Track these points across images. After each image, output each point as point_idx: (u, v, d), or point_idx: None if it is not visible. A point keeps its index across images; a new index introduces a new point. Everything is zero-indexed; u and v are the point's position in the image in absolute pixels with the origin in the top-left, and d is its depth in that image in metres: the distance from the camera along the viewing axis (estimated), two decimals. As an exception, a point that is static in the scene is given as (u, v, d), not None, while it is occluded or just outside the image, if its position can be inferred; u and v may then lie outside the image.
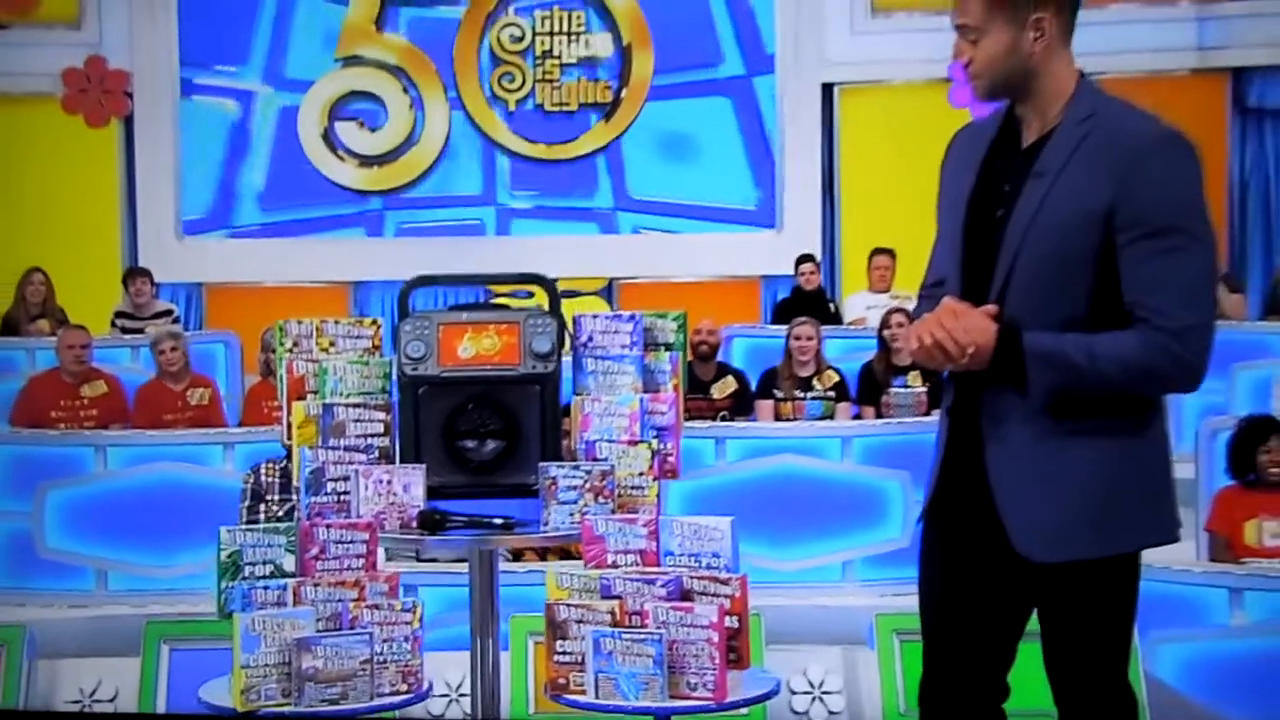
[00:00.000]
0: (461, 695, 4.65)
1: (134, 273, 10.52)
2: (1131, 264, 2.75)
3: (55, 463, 7.06)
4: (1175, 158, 2.78)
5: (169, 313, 10.32)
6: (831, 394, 8.18)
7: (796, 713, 4.78)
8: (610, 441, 3.29)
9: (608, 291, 12.01)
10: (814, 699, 4.81)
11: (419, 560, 5.26)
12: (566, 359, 3.44)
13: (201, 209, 12.10)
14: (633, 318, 3.43)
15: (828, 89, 11.93)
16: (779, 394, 8.20)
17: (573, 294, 11.74)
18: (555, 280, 3.56)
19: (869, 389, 8.28)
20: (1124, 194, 2.74)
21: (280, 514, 5.38)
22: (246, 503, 5.51)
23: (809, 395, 8.16)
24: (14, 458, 7.07)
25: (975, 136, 3.02)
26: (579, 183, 12.12)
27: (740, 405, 8.28)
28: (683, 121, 12.08)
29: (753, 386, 8.41)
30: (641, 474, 3.28)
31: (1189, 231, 2.75)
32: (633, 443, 3.29)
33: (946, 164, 3.07)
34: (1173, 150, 2.78)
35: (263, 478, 5.53)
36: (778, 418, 8.05)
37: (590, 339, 3.43)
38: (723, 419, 8.02)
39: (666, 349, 3.45)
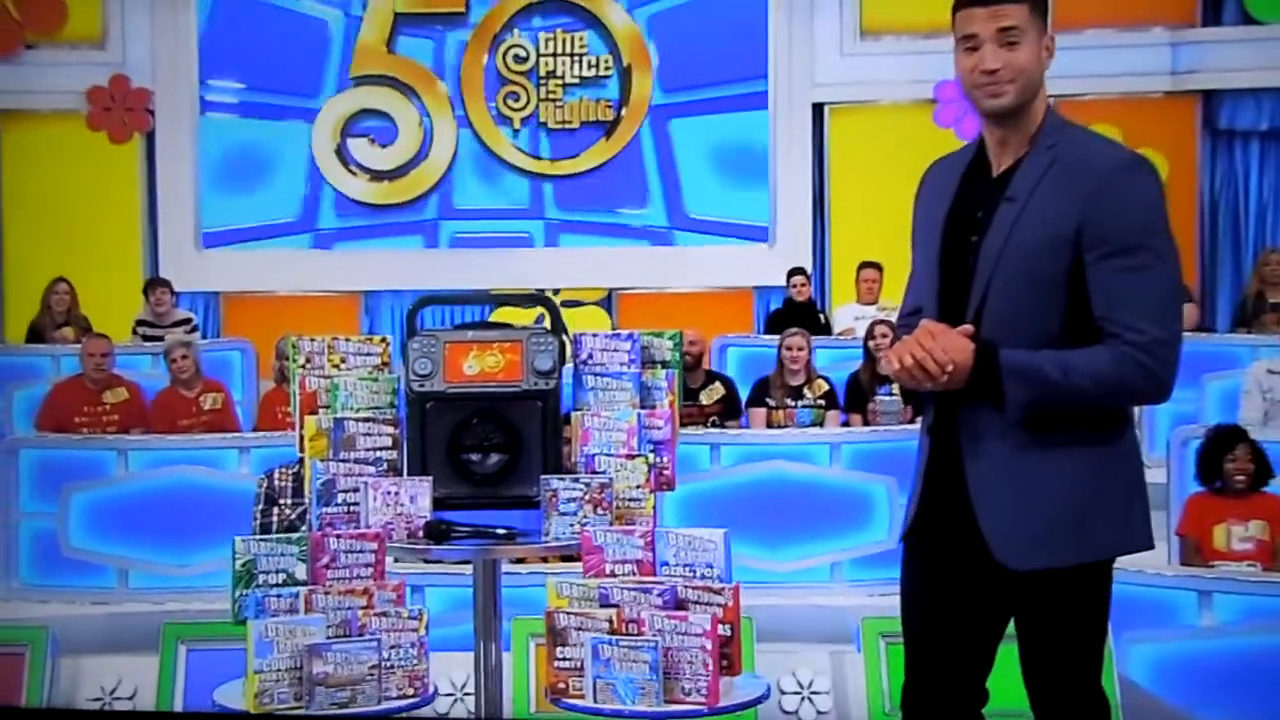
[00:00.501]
0: (466, 694, 4.65)
1: (154, 283, 10.52)
2: (1100, 281, 2.76)
3: (79, 465, 7.08)
4: (1138, 180, 2.80)
5: (188, 321, 10.32)
6: (821, 402, 8.18)
7: (786, 712, 4.77)
8: (609, 455, 3.29)
9: (608, 302, 12.00)
10: (803, 699, 4.81)
11: (426, 562, 5.25)
12: (568, 365, 3.44)
13: (219, 222, 12.08)
14: (631, 336, 3.43)
15: (818, 109, 11.92)
16: (771, 402, 8.19)
17: (575, 304, 11.74)
18: (558, 291, 3.56)
19: (856, 397, 8.28)
20: (1090, 216, 2.76)
21: (293, 517, 5.37)
22: (260, 506, 5.49)
23: (800, 404, 8.15)
24: (39, 460, 7.10)
25: (947, 169, 3.03)
26: (580, 199, 12.11)
27: (729, 410, 8.28)
28: (685, 141, 12.08)
29: (740, 392, 8.41)
30: (639, 486, 3.27)
31: (1154, 249, 2.77)
32: (630, 456, 3.28)
33: (920, 197, 3.07)
34: (1136, 173, 2.80)
35: (276, 482, 5.51)
36: (770, 425, 8.04)
37: (590, 356, 3.43)
38: (713, 424, 8.03)
39: (663, 366, 3.44)
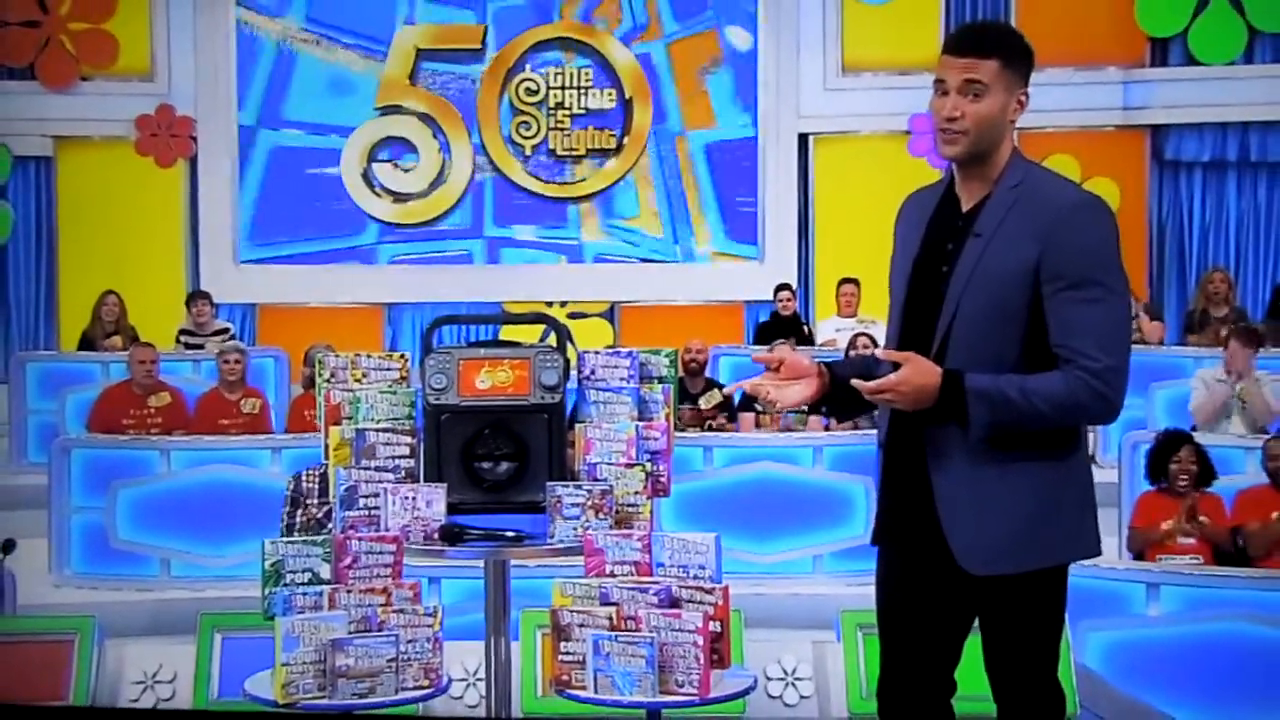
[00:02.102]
0: (478, 680, 4.60)
1: (196, 295, 10.47)
2: (1057, 312, 2.75)
3: (125, 464, 7.06)
4: (1093, 220, 2.78)
5: (226, 330, 10.26)
6: (805, 408, 8.11)
7: (772, 697, 4.73)
8: (609, 464, 3.26)
9: (610, 313, 11.97)
10: (787, 684, 4.77)
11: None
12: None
13: (255, 239, 12.06)
14: (630, 354, 3.40)
15: (803, 139, 11.91)
16: (759, 408, 8.15)
17: (580, 315, 11.70)
18: (565, 303, 3.52)
19: (836, 404, 8.21)
20: (1049, 251, 2.75)
21: (319, 515, 5.32)
22: (288, 506, 5.45)
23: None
24: (90, 459, 7.08)
25: (921, 203, 3.00)
26: (585, 219, 12.08)
27: (725, 415, 8.23)
28: (682, 166, 12.06)
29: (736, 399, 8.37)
30: (637, 493, 3.24)
31: (1106, 284, 2.76)
32: (629, 465, 3.25)
33: (897, 229, 3.04)
34: (1091, 213, 2.79)
35: (303, 484, 5.46)
36: (758, 428, 8.01)
37: (593, 372, 3.40)
38: (709, 428, 7.98)
39: (660, 382, 3.41)
